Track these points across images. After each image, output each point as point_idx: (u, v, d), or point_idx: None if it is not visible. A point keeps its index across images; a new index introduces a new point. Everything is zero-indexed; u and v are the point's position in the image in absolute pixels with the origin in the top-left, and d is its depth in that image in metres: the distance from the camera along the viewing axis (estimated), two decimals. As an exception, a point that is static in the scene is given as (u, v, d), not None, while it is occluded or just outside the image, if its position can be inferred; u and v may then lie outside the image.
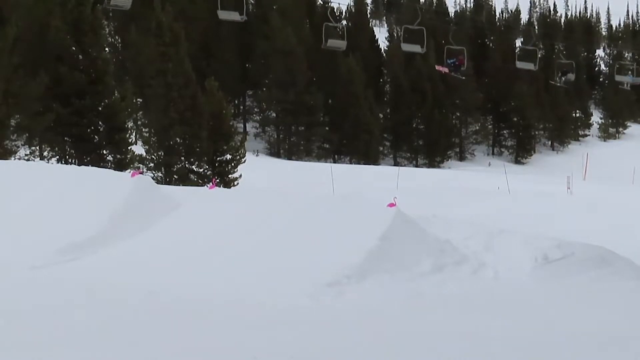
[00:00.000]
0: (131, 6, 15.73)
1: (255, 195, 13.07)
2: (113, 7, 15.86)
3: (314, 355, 6.52)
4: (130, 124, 36.12)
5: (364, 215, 10.63)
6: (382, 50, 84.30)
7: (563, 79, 32.23)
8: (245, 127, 69.28)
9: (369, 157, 67.30)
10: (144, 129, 37.13)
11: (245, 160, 34.60)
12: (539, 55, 28.80)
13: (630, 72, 34.17)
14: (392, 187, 32.44)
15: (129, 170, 28.52)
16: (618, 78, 32.84)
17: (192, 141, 33.71)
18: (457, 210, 19.28)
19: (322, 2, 77.88)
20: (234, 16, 23.13)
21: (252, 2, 75.19)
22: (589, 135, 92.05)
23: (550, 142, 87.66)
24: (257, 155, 59.04)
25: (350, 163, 65.29)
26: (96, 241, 10.41)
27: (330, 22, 24.58)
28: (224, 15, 24.61)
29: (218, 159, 34.23)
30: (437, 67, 33.13)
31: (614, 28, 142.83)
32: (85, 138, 31.95)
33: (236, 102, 70.86)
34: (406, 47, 29.23)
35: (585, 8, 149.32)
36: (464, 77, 33.79)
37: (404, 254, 9.63)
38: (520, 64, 30.56)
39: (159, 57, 34.91)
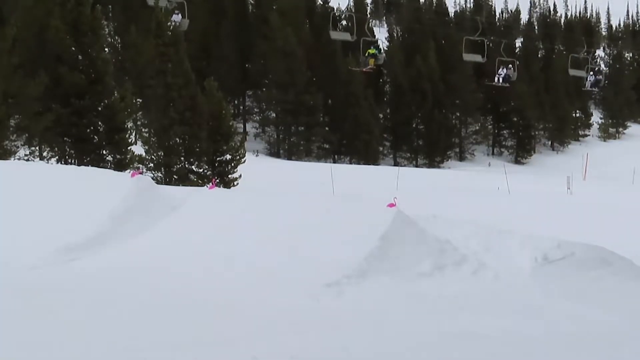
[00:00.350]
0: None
1: (255, 195, 13.04)
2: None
3: (314, 355, 6.51)
4: (130, 124, 36.07)
5: (364, 215, 10.61)
6: (382, 50, 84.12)
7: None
8: (245, 127, 69.30)
9: (368, 157, 67.30)
10: (143, 129, 37.13)
11: (245, 161, 34.61)
12: (487, 46, 28.01)
13: (592, 73, 33.19)
14: (392, 187, 32.46)
15: (128, 170, 28.50)
16: (572, 72, 32.34)
17: (191, 141, 33.68)
18: (457, 210, 19.25)
19: (322, 2, 77.92)
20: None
21: (252, 2, 75.24)
22: (589, 135, 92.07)
23: (550, 142, 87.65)
24: (257, 156, 59.06)
25: (350, 163, 65.31)
26: (96, 241, 10.40)
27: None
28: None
29: (218, 159, 34.22)
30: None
31: (614, 28, 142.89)
32: (85, 138, 31.93)
33: (236, 102, 70.89)
34: (467, 57, 29.61)
35: (585, 8, 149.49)
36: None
37: (404, 254, 9.61)
38: (467, 57, 30.28)
39: (159, 57, 34.87)
